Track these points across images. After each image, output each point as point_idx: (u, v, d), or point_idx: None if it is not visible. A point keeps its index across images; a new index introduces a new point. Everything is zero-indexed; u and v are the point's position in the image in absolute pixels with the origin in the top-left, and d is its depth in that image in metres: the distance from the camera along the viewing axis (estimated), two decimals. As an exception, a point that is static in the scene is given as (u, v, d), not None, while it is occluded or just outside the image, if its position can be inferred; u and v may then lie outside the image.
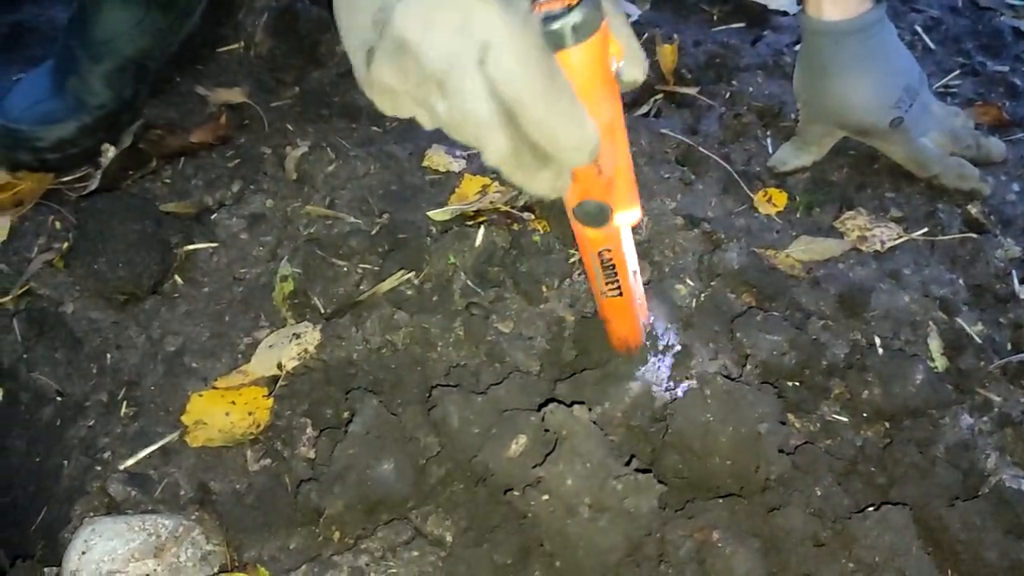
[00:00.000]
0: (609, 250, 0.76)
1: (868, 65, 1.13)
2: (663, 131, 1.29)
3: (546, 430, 0.83)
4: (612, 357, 0.94)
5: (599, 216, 0.70)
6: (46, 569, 0.84)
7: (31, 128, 1.23)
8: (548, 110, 0.54)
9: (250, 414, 0.96)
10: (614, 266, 0.78)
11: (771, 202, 1.20)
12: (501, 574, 0.80)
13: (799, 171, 1.26)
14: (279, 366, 1.00)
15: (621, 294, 0.82)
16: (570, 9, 0.53)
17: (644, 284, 1.05)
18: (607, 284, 0.81)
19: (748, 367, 0.96)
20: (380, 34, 0.55)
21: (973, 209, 1.19)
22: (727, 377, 0.90)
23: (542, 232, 1.12)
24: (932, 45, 1.54)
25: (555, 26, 0.53)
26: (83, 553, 0.80)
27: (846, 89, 1.15)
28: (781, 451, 0.85)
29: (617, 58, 0.60)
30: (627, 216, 0.72)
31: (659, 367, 0.94)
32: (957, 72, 1.47)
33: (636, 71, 0.62)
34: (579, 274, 1.06)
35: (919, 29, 1.57)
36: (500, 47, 0.51)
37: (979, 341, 1.03)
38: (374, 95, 0.59)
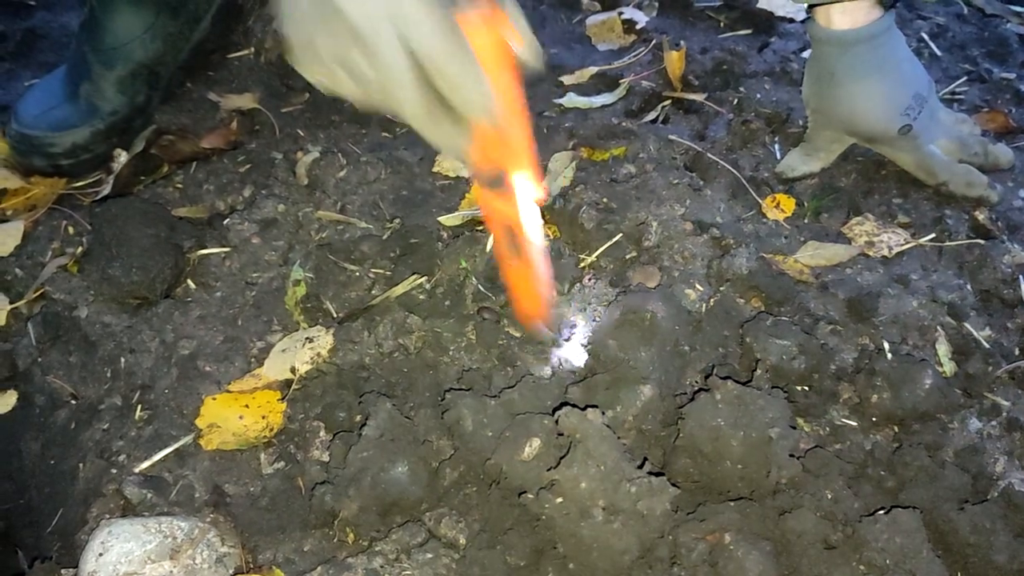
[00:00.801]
0: (512, 220, 0.82)
1: (877, 73, 1.14)
2: (671, 137, 1.30)
3: (559, 433, 0.84)
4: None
5: (499, 181, 0.77)
6: (63, 571, 0.85)
7: (45, 134, 1.24)
8: (457, 69, 0.64)
9: (263, 417, 0.97)
10: (516, 236, 0.83)
11: (779, 208, 1.21)
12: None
13: (807, 177, 1.27)
14: (292, 370, 1.00)
15: (524, 264, 0.86)
16: None
17: (654, 287, 1.06)
18: (507, 252, 0.85)
19: (758, 371, 0.97)
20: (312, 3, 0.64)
21: (980, 215, 1.19)
22: (737, 382, 0.91)
23: (552, 237, 1.13)
24: (938, 52, 1.55)
25: None
26: (100, 555, 0.80)
27: (855, 96, 1.15)
28: (791, 455, 0.86)
29: (517, 43, 0.71)
30: (526, 185, 0.79)
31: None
32: (964, 79, 1.48)
33: (531, 57, 0.71)
34: (589, 279, 1.07)
35: (925, 36, 1.58)
36: (415, 11, 0.62)
37: (987, 346, 1.04)
38: (303, 60, 0.68)
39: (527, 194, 0.81)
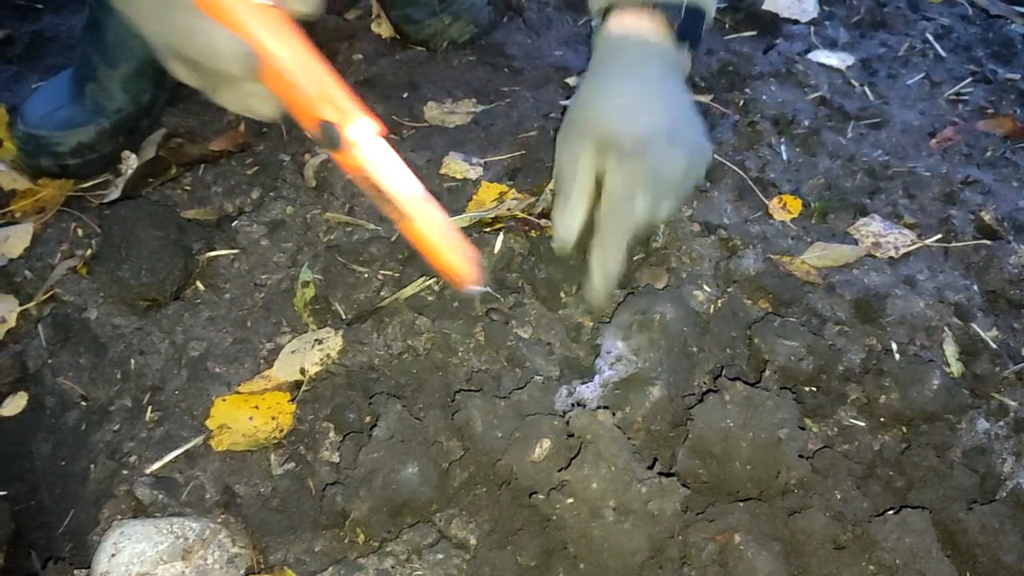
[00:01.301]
0: (364, 174, 0.80)
1: (637, 78, 0.97)
2: (678, 139, 1.30)
3: (570, 434, 0.84)
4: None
5: (331, 134, 0.77)
6: (76, 571, 0.85)
7: (51, 133, 1.25)
8: (188, 36, 0.72)
9: (273, 419, 0.98)
10: (380, 190, 0.80)
11: (786, 209, 1.21)
12: (525, 576, 0.82)
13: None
14: (302, 371, 1.01)
15: (405, 218, 0.82)
16: None
17: (661, 288, 1.06)
18: (390, 211, 0.82)
19: (767, 373, 0.97)
20: None
21: (987, 215, 1.20)
22: (746, 383, 0.91)
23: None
24: (943, 53, 1.55)
25: None
26: (112, 555, 0.81)
27: (603, 91, 0.97)
28: (800, 455, 0.86)
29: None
30: (358, 129, 0.78)
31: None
32: (968, 80, 1.48)
33: (299, 4, 0.75)
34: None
35: (930, 37, 1.59)
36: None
37: (994, 347, 1.04)
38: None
39: (370, 140, 0.79)
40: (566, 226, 0.97)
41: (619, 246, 0.93)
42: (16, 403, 1.04)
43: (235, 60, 0.72)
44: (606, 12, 1.02)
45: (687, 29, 0.99)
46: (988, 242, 1.16)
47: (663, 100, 0.96)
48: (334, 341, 1.03)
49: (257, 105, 0.78)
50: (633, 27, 0.99)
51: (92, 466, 0.96)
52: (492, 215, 1.16)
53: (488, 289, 0.98)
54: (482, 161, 1.28)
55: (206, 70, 0.74)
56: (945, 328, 1.05)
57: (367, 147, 0.79)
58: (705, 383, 0.97)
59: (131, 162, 1.25)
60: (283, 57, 0.74)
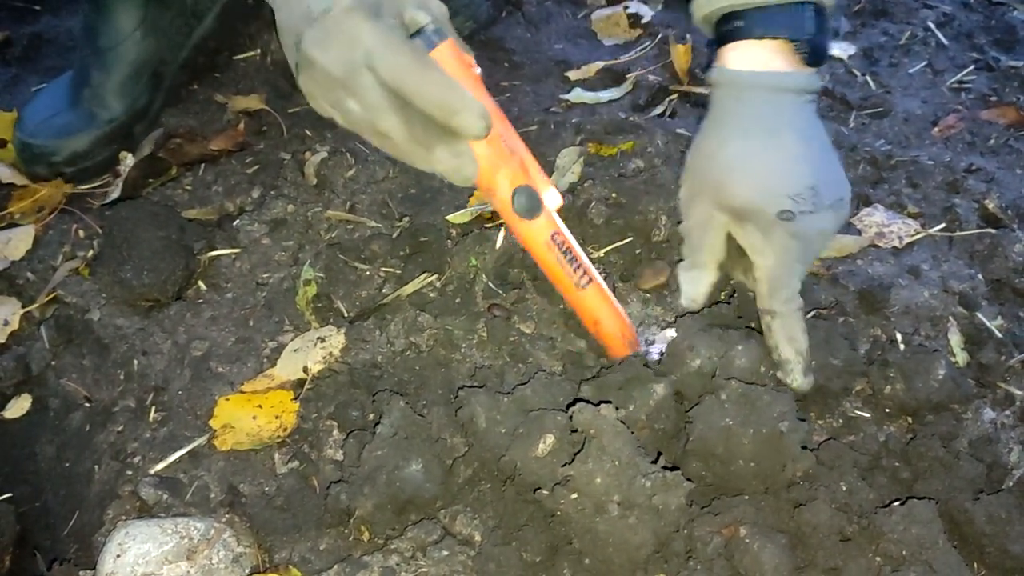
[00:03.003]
0: (558, 234, 0.83)
1: (770, 134, 0.88)
2: (679, 131, 1.30)
3: (573, 430, 0.84)
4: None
5: (532, 200, 0.80)
6: (81, 572, 0.85)
7: (46, 142, 1.25)
8: (427, 83, 0.70)
9: (277, 417, 0.98)
10: (570, 250, 0.84)
11: (788, 200, 1.20)
12: (530, 572, 0.81)
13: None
14: (305, 370, 1.01)
15: (591, 280, 0.87)
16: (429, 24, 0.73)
17: (662, 284, 1.06)
18: (576, 273, 0.86)
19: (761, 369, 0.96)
20: (297, 53, 0.73)
21: (991, 204, 1.19)
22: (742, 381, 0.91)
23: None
24: (945, 41, 1.54)
25: (424, 27, 0.73)
26: (118, 556, 0.81)
27: (734, 153, 0.89)
28: (805, 447, 0.85)
29: (475, 67, 0.77)
30: (552, 197, 0.81)
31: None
32: (971, 68, 1.48)
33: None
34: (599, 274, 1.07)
35: (931, 25, 1.58)
36: (379, 46, 0.69)
37: (999, 336, 1.04)
38: (315, 106, 0.77)
39: (554, 205, 0.83)
40: (696, 292, 0.97)
41: (797, 318, 0.90)
42: (20, 405, 1.05)
43: (479, 116, 0.71)
44: (722, 38, 0.90)
45: (818, 50, 0.88)
46: (992, 231, 1.16)
47: (805, 159, 0.88)
48: (336, 339, 1.03)
49: (466, 166, 0.76)
50: (762, 61, 0.88)
51: (96, 467, 0.96)
52: (493, 210, 1.16)
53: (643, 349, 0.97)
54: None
55: (432, 123, 0.72)
56: (950, 318, 1.05)
57: (558, 218, 0.83)
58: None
59: (128, 161, 1.25)
60: (496, 121, 0.75)
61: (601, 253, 1.10)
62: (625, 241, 1.11)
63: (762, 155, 0.88)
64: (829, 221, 0.89)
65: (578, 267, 0.86)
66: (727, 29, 0.89)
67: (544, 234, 0.83)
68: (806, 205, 0.86)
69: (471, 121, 0.71)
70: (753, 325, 0.96)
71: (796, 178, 0.87)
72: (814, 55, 0.87)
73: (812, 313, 1.02)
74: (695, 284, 0.97)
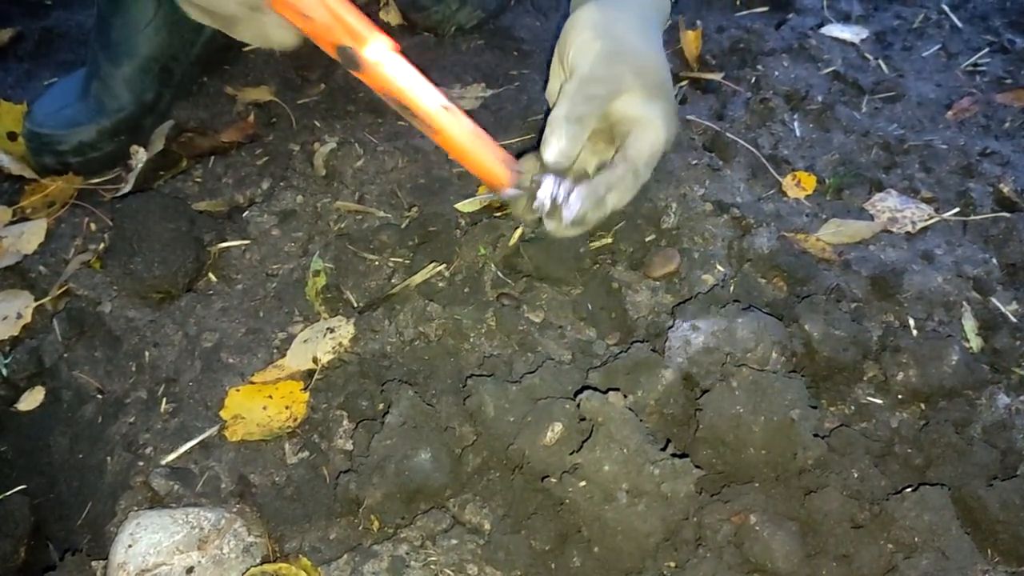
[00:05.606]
0: (391, 93, 0.85)
1: (647, 27, 1.00)
2: (689, 117, 1.29)
3: (581, 418, 0.83)
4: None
5: (350, 57, 0.82)
6: (94, 562, 0.86)
7: (53, 132, 1.26)
8: None
9: (287, 408, 0.98)
10: (408, 108, 0.86)
11: (800, 186, 1.20)
12: (539, 560, 0.81)
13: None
14: (314, 360, 1.01)
15: (434, 131, 0.88)
16: None
17: (672, 271, 1.05)
18: (420, 126, 0.88)
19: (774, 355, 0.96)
20: None
21: (1005, 188, 1.17)
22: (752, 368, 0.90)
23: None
24: (959, 23, 1.53)
25: None
26: (129, 546, 0.81)
27: (635, 34, 0.97)
28: (816, 434, 0.85)
29: None
30: (376, 49, 0.82)
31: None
32: (986, 50, 1.46)
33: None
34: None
35: (945, 7, 1.56)
36: None
37: (1014, 320, 1.02)
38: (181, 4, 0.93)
39: (389, 59, 0.84)
40: (573, 150, 0.91)
41: (638, 186, 0.93)
42: (34, 397, 1.05)
43: None
44: None
45: None
46: (1007, 215, 1.14)
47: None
48: (346, 329, 1.03)
49: (276, 34, 0.86)
50: None
51: (108, 458, 0.97)
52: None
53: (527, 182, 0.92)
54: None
55: (217, 10, 0.84)
56: (964, 303, 1.04)
57: (387, 65, 0.84)
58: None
59: (140, 156, 1.26)
60: None
61: (609, 240, 1.10)
62: (634, 228, 1.10)
63: (652, 42, 0.98)
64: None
65: (417, 120, 0.87)
66: None
67: (378, 90, 0.86)
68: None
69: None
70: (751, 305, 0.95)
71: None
72: None
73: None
74: (574, 141, 0.91)
